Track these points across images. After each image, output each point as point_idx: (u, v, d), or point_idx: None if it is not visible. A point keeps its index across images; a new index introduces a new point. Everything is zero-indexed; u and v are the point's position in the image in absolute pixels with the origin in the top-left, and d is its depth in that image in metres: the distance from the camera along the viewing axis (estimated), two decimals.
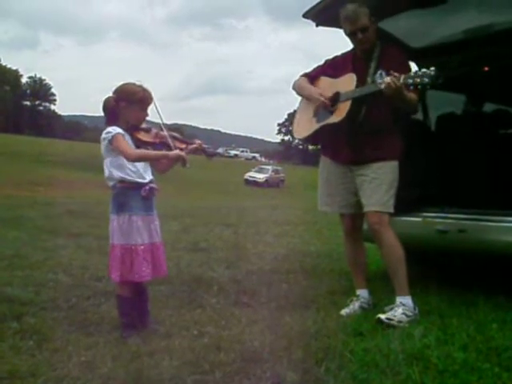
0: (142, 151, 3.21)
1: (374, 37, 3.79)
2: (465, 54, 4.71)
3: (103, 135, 3.16)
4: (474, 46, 4.57)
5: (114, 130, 3.15)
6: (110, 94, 3.26)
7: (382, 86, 3.42)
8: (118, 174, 3.19)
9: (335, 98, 3.75)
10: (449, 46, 4.72)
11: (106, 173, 3.23)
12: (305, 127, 4.03)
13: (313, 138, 4.05)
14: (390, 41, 4.15)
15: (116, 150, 3.14)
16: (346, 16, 3.74)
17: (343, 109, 3.66)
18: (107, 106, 3.23)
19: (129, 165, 3.19)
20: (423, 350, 2.81)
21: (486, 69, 4.94)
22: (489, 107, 5.64)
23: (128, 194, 3.21)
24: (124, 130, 3.19)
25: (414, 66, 5.03)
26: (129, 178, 3.19)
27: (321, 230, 9.42)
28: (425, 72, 3.32)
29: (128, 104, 3.20)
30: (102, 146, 3.18)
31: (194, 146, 3.34)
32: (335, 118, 3.72)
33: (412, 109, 3.74)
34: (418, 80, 3.34)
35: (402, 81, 3.37)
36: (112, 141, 3.12)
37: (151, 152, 3.24)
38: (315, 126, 3.89)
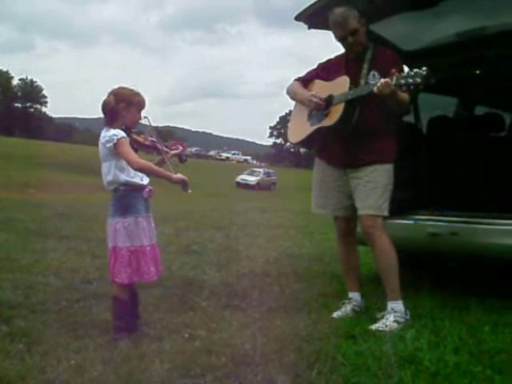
0: (149, 164, 3.23)
1: (365, 38, 3.79)
2: (456, 57, 4.72)
3: (107, 138, 3.14)
4: (465, 49, 4.58)
5: (119, 133, 3.13)
6: (106, 96, 3.24)
7: (375, 89, 3.42)
8: (123, 177, 3.19)
9: (328, 101, 3.74)
10: (440, 48, 4.73)
11: (109, 176, 3.19)
12: (299, 131, 4.02)
13: (307, 142, 4.05)
14: (381, 43, 4.15)
15: (121, 155, 3.13)
16: (335, 21, 3.73)
17: (336, 112, 3.66)
18: (107, 106, 3.21)
19: (131, 168, 3.20)
20: (415, 353, 2.81)
21: (478, 72, 4.96)
22: (480, 110, 5.67)
23: (133, 196, 3.23)
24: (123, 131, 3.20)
25: (405, 69, 5.05)
26: (133, 180, 3.21)
27: (313, 232, 9.42)
28: (416, 72, 3.32)
29: (127, 105, 3.21)
30: (105, 148, 3.15)
31: (176, 152, 3.43)
32: (329, 121, 3.71)
33: (404, 110, 3.75)
34: (411, 80, 3.33)
35: (394, 81, 3.36)
36: (117, 145, 3.11)
37: (156, 168, 3.26)
38: (309, 129, 3.88)
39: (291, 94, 4.09)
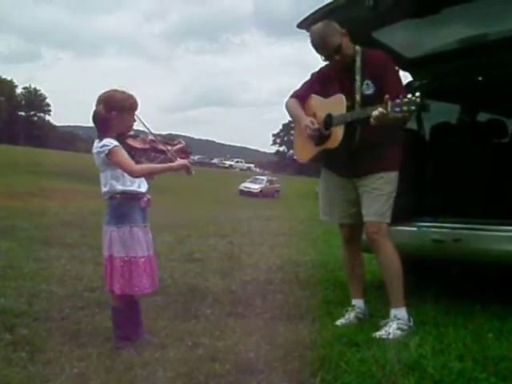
0: (147, 166, 3.16)
1: (351, 47, 3.75)
2: (459, 64, 4.72)
3: (98, 149, 3.06)
4: (467, 55, 4.59)
5: (110, 143, 3.04)
6: (95, 104, 3.12)
7: (371, 120, 3.40)
8: (119, 186, 3.12)
9: (328, 122, 3.75)
10: (443, 55, 4.74)
11: (106, 186, 3.15)
12: (305, 151, 4.05)
13: (314, 160, 4.05)
14: (384, 51, 4.14)
15: (115, 165, 3.07)
16: (315, 44, 3.71)
17: (338, 134, 3.66)
18: (98, 116, 3.10)
19: (127, 176, 3.13)
20: (419, 360, 2.79)
21: (480, 78, 4.96)
22: (483, 117, 5.66)
23: (129, 205, 3.17)
24: (115, 139, 3.10)
25: (408, 77, 5.07)
26: (129, 189, 3.15)
27: (316, 240, 9.42)
28: (410, 99, 3.25)
29: (119, 113, 3.10)
30: (98, 159, 3.10)
31: (179, 146, 3.32)
32: (331, 144, 3.72)
33: (404, 124, 3.72)
34: (405, 108, 3.27)
35: (389, 109, 3.33)
36: (110, 155, 3.03)
37: (156, 166, 3.19)
38: (314, 150, 3.90)
39: (290, 113, 4.09)
